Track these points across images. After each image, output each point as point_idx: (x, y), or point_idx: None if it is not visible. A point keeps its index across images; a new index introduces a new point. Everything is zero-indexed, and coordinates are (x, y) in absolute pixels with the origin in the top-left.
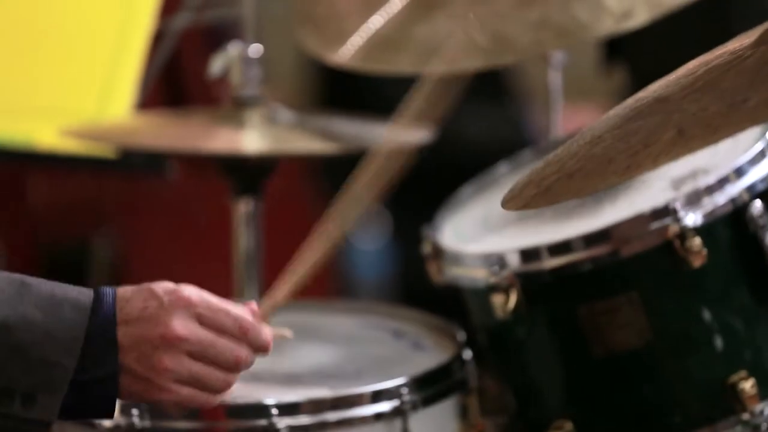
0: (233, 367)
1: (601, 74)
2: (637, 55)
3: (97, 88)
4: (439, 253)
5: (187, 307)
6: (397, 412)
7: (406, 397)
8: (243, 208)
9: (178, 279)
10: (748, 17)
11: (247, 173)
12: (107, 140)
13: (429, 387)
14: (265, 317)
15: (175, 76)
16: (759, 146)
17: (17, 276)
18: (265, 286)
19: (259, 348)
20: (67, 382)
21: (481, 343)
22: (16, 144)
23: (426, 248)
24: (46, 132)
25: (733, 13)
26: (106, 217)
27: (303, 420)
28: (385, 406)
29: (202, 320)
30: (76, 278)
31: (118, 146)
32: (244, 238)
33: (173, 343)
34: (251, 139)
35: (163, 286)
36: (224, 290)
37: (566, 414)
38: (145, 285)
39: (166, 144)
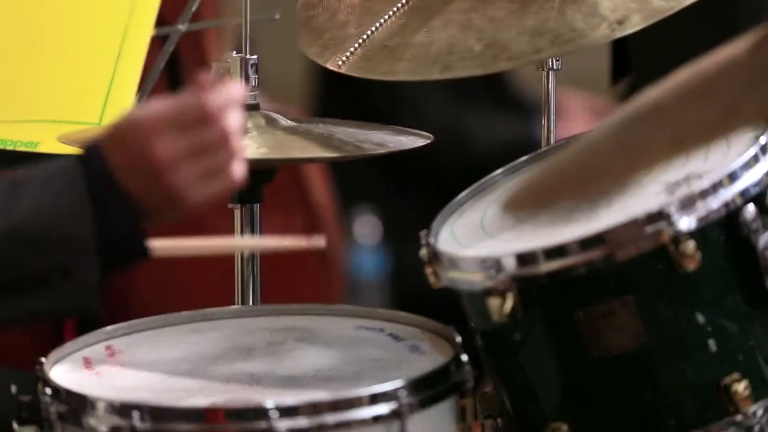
0: (226, 139)
1: (612, 86)
2: (645, 70)
3: (100, 97)
4: (436, 256)
5: (157, 129)
6: (395, 415)
7: (404, 400)
8: (243, 212)
9: (176, 277)
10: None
11: (246, 179)
12: None
13: (427, 389)
14: (215, 81)
15: (176, 82)
16: (752, 151)
17: (6, 177)
18: (265, 289)
19: (230, 103)
20: (91, 242)
21: (478, 346)
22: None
23: (423, 252)
24: (49, 141)
25: (741, 28)
26: None
27: (302, 422)
28: (383, 409)
29: (175, 127)
30: None
31: None
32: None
33: (169, 162)
34: (251, 145)
35: (127, 123)
36: (225, 291)
37: (562, 416)
38: (113, 130)
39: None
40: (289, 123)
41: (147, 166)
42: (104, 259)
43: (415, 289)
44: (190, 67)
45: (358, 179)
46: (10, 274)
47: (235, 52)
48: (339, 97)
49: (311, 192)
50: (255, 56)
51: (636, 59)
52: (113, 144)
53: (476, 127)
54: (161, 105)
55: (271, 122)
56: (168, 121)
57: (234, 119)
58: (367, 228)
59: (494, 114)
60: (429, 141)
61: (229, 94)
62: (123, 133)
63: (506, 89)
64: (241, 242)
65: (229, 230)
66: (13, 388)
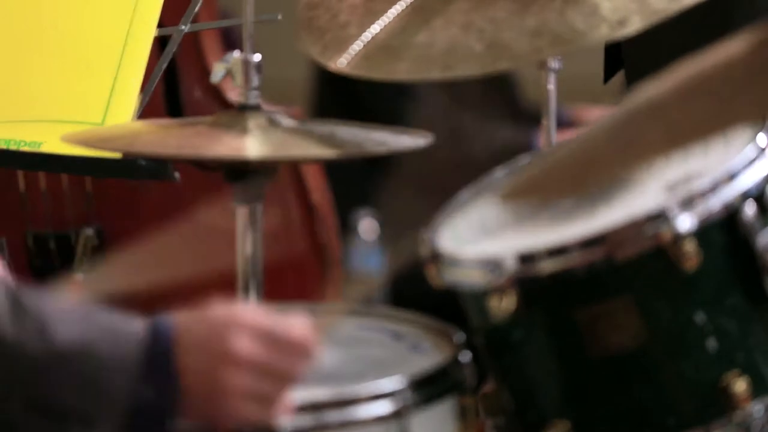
0: (293, 380)
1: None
2: (635, 69)
3: (103, 98)
4: (437, 256)
5: (245, 326)
6: (396, 413)
7: (405, 399)
8: (245, 213)
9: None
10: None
11: (248, 179)
12: (110, 148)
13: (428, 388)
14: (322, 333)
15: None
16: (752, 151)
17: (81, 303)
18: (265, 290)
19: (310, 359)
20: (124, 407)
21: (479, 345)
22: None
23: (424, 252)
24: (53, 141)
25: (736, 24)
26: (94, 207)
27: (303, 421)
28: (384, 407)
29: (261, 338)
30: (63, 268)
31: (120, 153)
32: (246, 243)
33: (236, 362)
34: (253, 145)
35: (219, 309)
36: (226, 290)
37: (563, 415)
38: (201, 311)
39: (167, 150)
40: (291, 123)
41: (215, 354)
42: (127, 427)
43: (417, 289)
44: (187, 68)
45: (358, 179)
46: (37, 393)
47: (237, 52)
48: (338, 98)
49: (310, 190)
50: (258, 56)
51: (627, 56)
52: (193, 325)
53: (474, 133)
54: (263, 311)
55: (273, 122)
56: (259, 327)
57: (303, 369)
58: (367, 227)
59: (493, 121)
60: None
61: (312, 349)
62: (209, 319)
63: (508, 95)
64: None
65: (230, 229)
66: None
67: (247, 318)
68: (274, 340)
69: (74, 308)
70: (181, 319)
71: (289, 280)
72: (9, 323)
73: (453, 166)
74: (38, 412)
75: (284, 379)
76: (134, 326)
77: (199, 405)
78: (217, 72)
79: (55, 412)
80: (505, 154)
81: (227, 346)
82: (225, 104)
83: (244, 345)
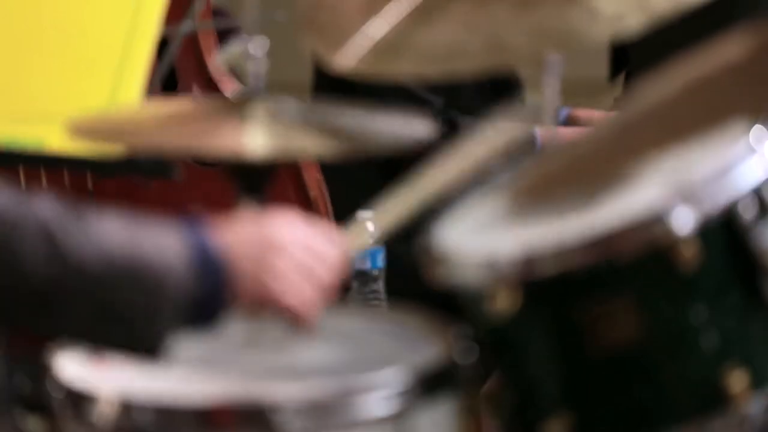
0: (334, 262)
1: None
2: (641, 65)
3: (106, 93)
4: (437, 254)
5: (290, 220)
6: (398, 410)
7: (407, 395)
8: (247, 206)
9: None
10: None
11: (251, 171)
12: (115, 137)
13: (429, 385)
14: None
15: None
16: (751, 150)
17: (122, 212)
18: None
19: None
20: (188, 301)
21: (481, 343)
22: (25, 147)
23: (423, 248)
24: (56, 136)
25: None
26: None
27: (303, 417)
28: (385, 404)
29: (305, 235)
30: None
31: (122, 143)
32: None
33: (288, 243)
34: (255, 137)
35: (265, 214)
36: None
37: (563, 411)
38: (245, 216)
39: (169, 143)
40: (294, 117)
41: (266, 238)
42: (186, 315)
43: (417, 286)
44: (184, 67)
45: (358, 175)
46: (104, 296)
47: (240, 43)
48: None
49: (308, 186)
50: (261, 46)
51: (633, 54)
52: (241, 222)
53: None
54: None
55: (275, 115)
56: (303, 227)
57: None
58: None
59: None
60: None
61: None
62: (254, 219)
63: (506, 90)
64: None
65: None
66: (19, 379)
67: (289, 215)
68: (315, 242)
69: (119, 216)
70: (229, 222)
71: None
72: (62, 232)
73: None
74: (104, 317)
75: (331, 262)
76: (174, 222)
77: (250, 287)
78: (220, 62)
79: (119, 314)
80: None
81: (277, 231)
82: (215, 89)
83: (290, 230)
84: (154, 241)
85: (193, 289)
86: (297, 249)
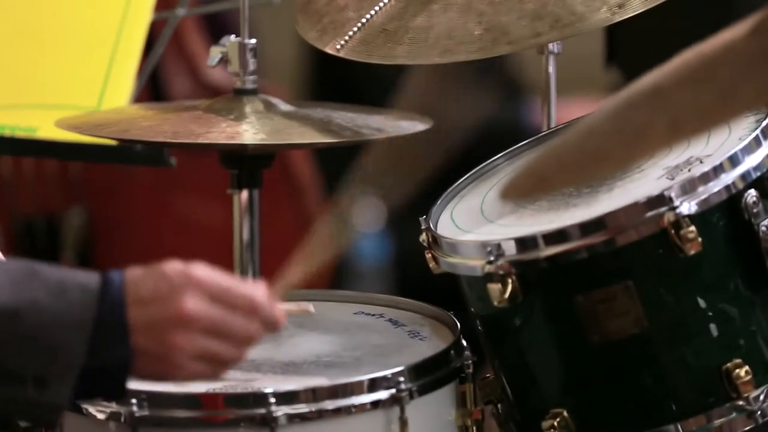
0: (244, 342)
1: (606, 67)
2: (630, 61)
3: (97, 81)
4: (435, 242)
5: (198, 285)
6: (394, 401)
7: (404, 386)
8: (242, 198)
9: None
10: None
11: (245, 164)
12: (105, 132)
13: (426, 375)
14: (278, 296)
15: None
16: (753, 135)
17: (26, 262)
18: (263, 275)
19: (270, 324)
20: (78, 365)
21: (478, 332)
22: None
23: (423, 237)
24: (48, 126)
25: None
26: (80, 190)
27: (301, 408)
28: (382, 395)
29: (214, 298)
30: (50, 250)
31: (116, 138)
32: (243, 229)
33: (186, 321)
34: (249, 130)
35: (173, 267)
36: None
37: (563, 402)
38: (155, 266)
39: (163, 136)
40: (288, 108)
41: (166, 311)
42: (81, 386)
43: (417, 275)
44: (167, 56)
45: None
46: None
47: (233, 36)
48: (334, 81)
49: (298, 177)
50: (254, 40)
51: (626, 40)
52: (144, 278)
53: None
54: (218, 272)
55: (269, 107)
56: (213, 286)
57: (261, 334)
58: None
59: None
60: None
61: (276, 316)
62: (162, 273)
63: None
64: None
65: (227, 216)
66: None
67: (201, 276)
68: (227, 301)
69: (17, 268)
70: (132, 273)
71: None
72: None
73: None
74: None
75: (236, 340)
76: (83, 279)
77: (148, 362)
78: (213, 57)
79: (4, 375)
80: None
81: (179, 303)
82: (208, 90)
83: (195, 303)
84: (55, 300)
85: (92, 354)
86: (202, 329)
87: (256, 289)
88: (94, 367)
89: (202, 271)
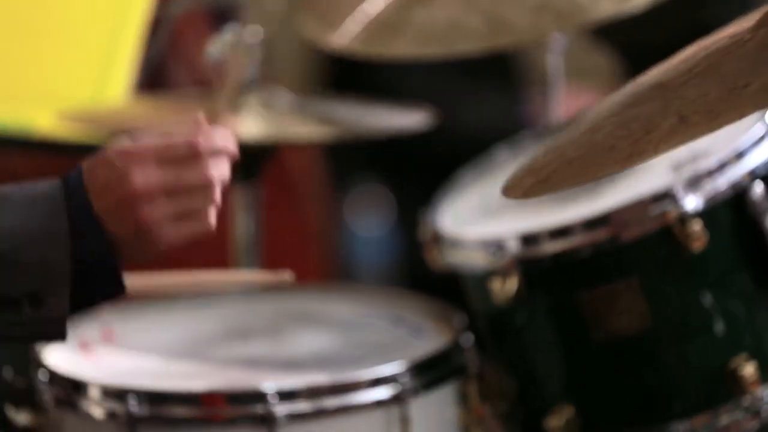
0: (207, 186)
1: (593, 52)
2: (618, 33)
3: (95, 73)
4: (438, 238)
5: (139, 158)
6: (396, 398)
7: (406, 383)
8: (242, 193)
9: (174, 259)
10: None
11: (245, 158)
12: (103, 124)
13: (428, 373)
14: (207, 122)
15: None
16: (759, 130)
17: None
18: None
19: (220, 151)
20: (66, 273)
21: (481, 329)
22: (15, 130)
23: (425, 233)
24: (45, 117)
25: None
26: None
27: (301, 406)
28: (384, 392)
29: (158, 161)
30: None
31: (114, 130)
32: (243, 224)
33: (143, 195)
34: (249, 124)
35: (113, 150)
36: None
37: (566, 399)
38: (99, 154)
39: (160, 128)
40: (289, 102)
41: (122, 194)
42: (77, 291)
43: (419, 272)
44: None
45: (363, 161)
46: None
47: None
48: (339, 73)
49: (296, 172)
50: (255, 32)
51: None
52: (95, 170)
53: (465, 102)
54: (151, 137)
55: (270, 101)
56: (153, 153)
57: (220, 167)
58: (372, 212)
59: (481, 88)
60: (431, 120)
61: (221, 142)
62: (106, 160)
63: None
64: (211, 277)
65: (227, 210)
66: (8, 372)
67: (138, 148)
68: (170, 158)
69: None
70: (86, 166)
71: (288, 262)
72: None
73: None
74: None
75: (199, 186)
76: (46, 189)
77: (132, 246)
78: (213, 49)
79: None
80: (498, 120)
81: (129, 183)
82: (207, 83)
83: (144, 176)
84: (25, 217)
85: (78, 257)
86: (161, 194)
87: (189, 132)
88: (83, 269)
89: (138, 143)
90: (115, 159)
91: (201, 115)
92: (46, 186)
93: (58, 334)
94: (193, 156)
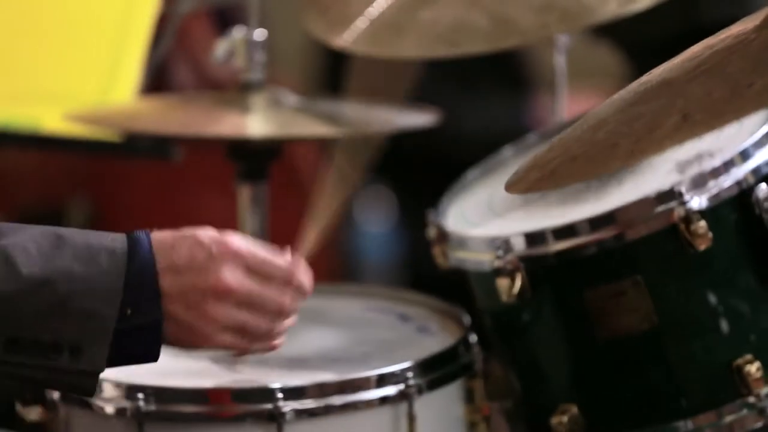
0: (278, 314)
1: (591, 48)
2: (622, 32)
3: (102, 73)
4: (444, 236)
5: (236, 257)
6: (402, 396)
7: (412, 381)
8: (248, 192)
9: None
10: None
11: (251, 157)
12: (111, 124)
13: (435, 371)
14: (304, 261)
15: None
16: (764, 129)
17: (52, 229)
18: None
19: (303, 292)
20: (110, 331)
21: (487, 327)
22: (23, 128)
23: (431, 232)
24: (52, 117)
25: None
26: (85, 181)
27: (308, 404)
28: (390, 390)
29: (250, 270)
30: None
31: (122, 131)
32: (249, 223)
33: (223, 293)
34: (256, 123)
35: (209, 235)
36: None
37: (572, 398)
38: (189, 232)
39: (170, 128)
40: (295, 101)
41: (201, 280)
42: (115, 350)
43: (425, 271)
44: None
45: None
46: (22, 326)
47: (241, 27)
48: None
49: (300, 171)
50: (262, 32)
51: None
52: (181, 244)
53: (471, 102)
54: (254, 243)
55: (276, 100)
56: (251, 259)
57: (295, 305)
58: (377, 210)
59: (487, 89)
60: (436, 119)
61: (308, 284)
62: (199, 241)
63: (498, 62)
64: None
65: (232, 208)
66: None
67: (239, 246)
68: (263, 273)
69: (43, 236)
70: (162, 236)
71: None
72: None
73: (454, 137)
74: (21, 348)
75: (269, 312)
76: (110, 243)
77: (179, 329)
78: (220, 49)
79: (38, 346)
80: (503, 120)
81: (216, 274)
82: (213, 83)
83: (233, 275)
84: (84, 266)
85: (124, 317)
86: (237, 301)
87: (289, 260)
88: (127, 331)
89: (239, 241)
90: (209, 243)
91: (300, 256)
92: (110, 238)
93: (88, 388)
94: (285, 282)
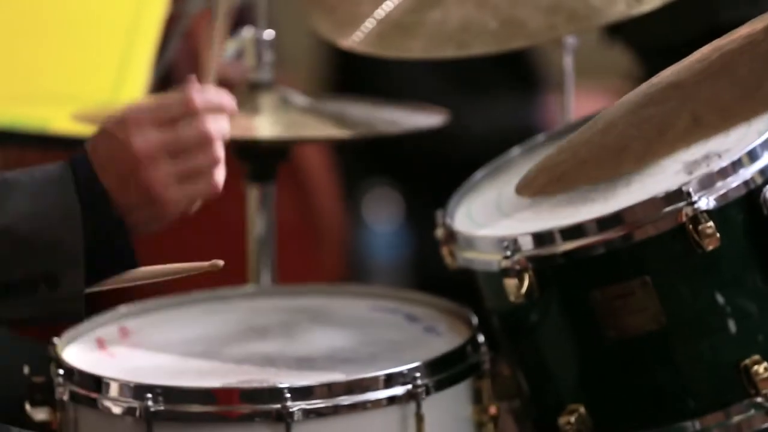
0: (205, 142)
1: (605, 49)
2: (633, 29)
3: (111, 73)
4: (452, 236)
5: (136, 123)
6: (410, 396)
7: (420, 381)
8: (256, 193)
9: (189, 257)
10: None
11: (260, 158)
12: None
13: (442, 371)
14: (206, 83)
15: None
16: None
17: None
18: (278, 270)
19: (216, 107)
20: (80, 251)
21: (495, 327)
22: (30, 128)
23: (439, 232)
24: (61, 118)
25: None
26: None
27: (316, 404)
28: (398, 390)
29: (155, 124)
30: None
31: None
32: (257, 223)
33: (147, 158)
34: (265, 124)
35: (111, 122)
36: (239, 271)
37: (579, 398)
38: (99, 128)
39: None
40: (304, 102)
41: (125, 160)
42: (91, 267)
43: (433, 271)
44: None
45: (377, 160)
46: None
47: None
48: (351, 74)
49: (306, 171)
50: (270, 32)
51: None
52: (98, 144)
53: (480, 103)
54: (147, 102)
55: (285, 101)
56: (149, 116)
57: (217, 124)
58: (384, 210)
59: (496, 90)
60: (444, 120)
61: (216, 99)
62: (106, 131)
63: (508, 64)
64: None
65: (241, 210)
66: (26, 369)
67: (134, 114)
68: (166, 118)
69: None
70: (89, 144)
71: (304, 260)
72: None
73: (462, 137)
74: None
75: (199, 145)
76: (55, 172)
77: (141, 213)
78: (230, 49)
79: (15, 287)
80: (506, 127)
81: (130, 148)
82: (221, 83)
83: (143, 138)
84: (33, 206)
85: (89, 234)
86: (163, 155)
87: (184, 92)
88: (96, 245)
89: (133, 110)
90: (114, 129)
91: (192, 77)
92: (54, 168)
93: (75, 312)
94: (188, 113)
